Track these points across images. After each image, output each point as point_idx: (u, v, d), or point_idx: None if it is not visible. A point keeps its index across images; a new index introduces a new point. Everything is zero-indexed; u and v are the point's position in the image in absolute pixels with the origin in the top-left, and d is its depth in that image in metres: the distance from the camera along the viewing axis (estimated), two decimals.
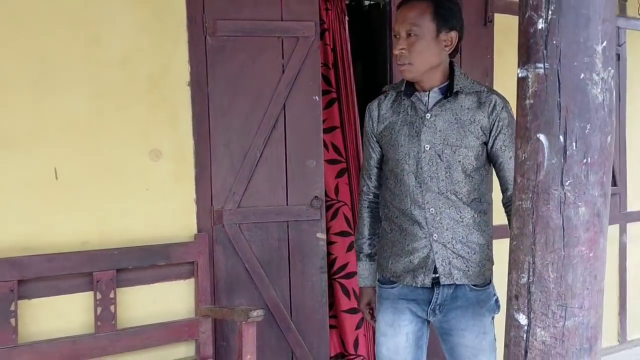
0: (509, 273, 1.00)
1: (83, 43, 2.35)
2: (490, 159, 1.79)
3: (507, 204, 1.77)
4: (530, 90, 0.93)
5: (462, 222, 1.75)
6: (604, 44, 0.88)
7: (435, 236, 1.76)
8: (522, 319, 0.96)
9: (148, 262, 2.43)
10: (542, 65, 0.91)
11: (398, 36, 1.75)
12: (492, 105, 1.74)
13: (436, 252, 1.76)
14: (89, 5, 2.35)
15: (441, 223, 1.75)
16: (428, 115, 1.76)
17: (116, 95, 2.42)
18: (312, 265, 2.74)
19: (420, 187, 1.76)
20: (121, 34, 2.42)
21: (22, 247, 2.23)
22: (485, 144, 1.76)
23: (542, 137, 0.92)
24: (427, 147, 1.75)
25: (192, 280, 2.58)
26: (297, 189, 2.70)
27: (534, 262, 0.94)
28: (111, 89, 2.41)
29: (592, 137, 0.90)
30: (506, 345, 1.01)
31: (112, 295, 2.34)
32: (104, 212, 2.39)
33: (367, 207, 1.97)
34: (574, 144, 0.91)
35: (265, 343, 2.61)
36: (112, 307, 2.35)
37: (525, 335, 0.96)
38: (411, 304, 1.84)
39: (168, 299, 2.53)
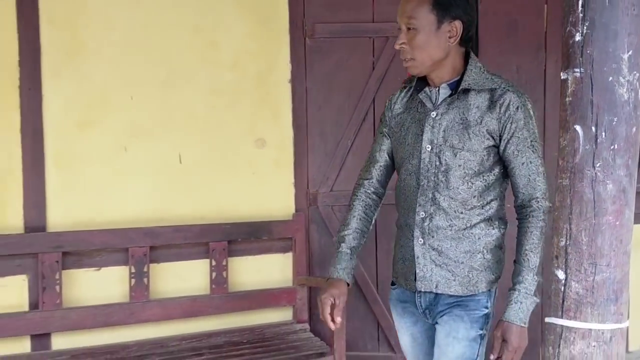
0: (552, 238, 1.24)
1: (202, 47, 2.76)
2: (504, 163, 1.61)
3: (517, 211, 1.60)
4: (569, 89, 1.16)
5: (450, 229, 1.60)
6: (630, 52, 1.09)
7: (420, 241, 1.63)
8: (561, 275, 1.19)
9: (254, 236, 2.81)
10: (578, 70, 1.14)
11: (400, 29, 1.61)
12: (504, 105, 1.55)
13: (417, 257, 1.64)
14: (207, 15, 2.75)
15: (429, 228, 1.62)
16: (434, 114, 1.62)
17: (228, 92, 2.81)
18: None
19: (418, 189, 1.63)
20: (233, 39, 2.81)
21: (153, 218, 2.68)
22: (496, 147, 1.59)
23: (578, 127, 1.15)
24: (428, 147, 1.62)
25: (289, 254, 2.94)
26: None
27: (570, 229, 1.18)
28: (224, 87, 2.80)
29: (619, 128, 1.13)
30: (548, 297, 1.25)
31: (224, 263, 2.75)
32: (218, 191, 2.80)
33: (362, 200, 1.79)
34: (603, 133, 1.13)
35: (354, 313, 2.92)
36: (224, 273, 2.75)
37: (562, 288, 1.19)
38: (408, 306, 1.74)
39: (269, 269, 2.90)
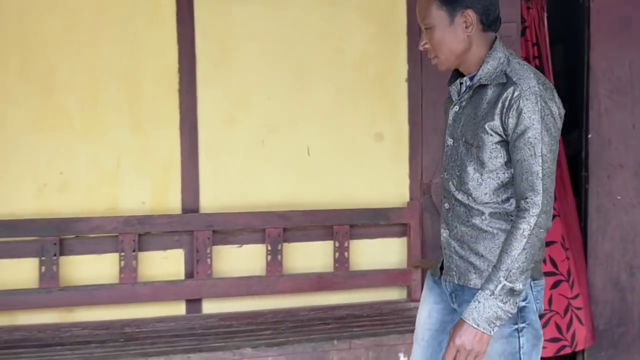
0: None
1: (328, 52, 3.09)
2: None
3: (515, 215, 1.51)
4: None
5: (469, 223, 1.59)
6: None
7: (446, 232, 1.66)
8: None
9: (372, 221, 3.12)
10: None
11: (421, 30, 1.63)
12: (507, 100, 1.49)
13: (443, 248, 1.67)
14: (334, 24, 3.08)
15: (452, 220, 1.63)
16: (456, 107, 1.64)
17: (351, 91, 3.13)
18: None
19: (445, 181, 1.66)
20: (356, 43, 3.12)
21: (286, 203, 3.06)
22: (507, 143, 1.52)
23: None
24: (450, 141, 1.65)
25: (404, 239, 3.21)
26: None
27: None
28: (347, 87, 3.12)
29: None
30: None
31: (346, 245, 3.08)
32: (341, 180, 3.13)
33: None
34: None
35: None
36: (345, 254, 3.08)
37: None
38: (437, 287, 1.73)
39: (386, 252, 3.19)
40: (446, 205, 1.66)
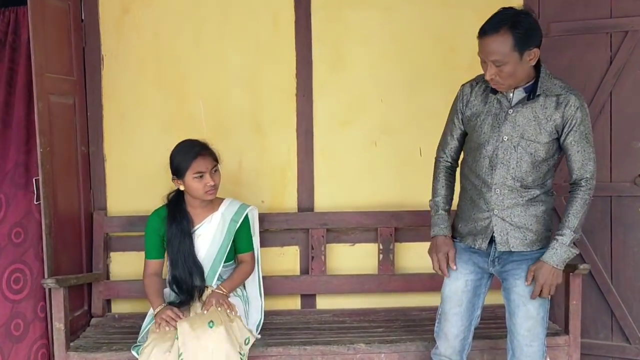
0: None
1: (442, 53, 3.09)
2: (562, 150, 2.07)
3: (570, 187, 2.09)
4: None
5: (521, 201, 2.07)
6: None
7: (496, 211, 2.10)
8: None
9: None
10: None
11: (484, 61, 1.98)
12: (568, 105, 1.99)
13: (495, 225, 2.11)
14: (447, 24, 3.08)
15: (503, 202, 2.08)
16: (511, 111, 2.04)
17: None
18: (633, 237, 2.99)
19: (492, 170, 2.07)
20: (470, 43, 3.01)
21: (397, 203, 3.10)
22: (558, 139, 2.04)
23: None
24: (505, 137, 2.05)
25: None
26: (621, 168, 2.98)
27: None
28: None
29: None
30: None
31: None
32: None
33: (444, 171, 2.27)
34: None
35: (586, 300, 3.00)
36: None
37: None
38: (474, 256, 2.19)
39: None
40: (497, 191, 2.08)
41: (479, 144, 2.12)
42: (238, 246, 2.69)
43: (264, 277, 2.89)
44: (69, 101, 2.90)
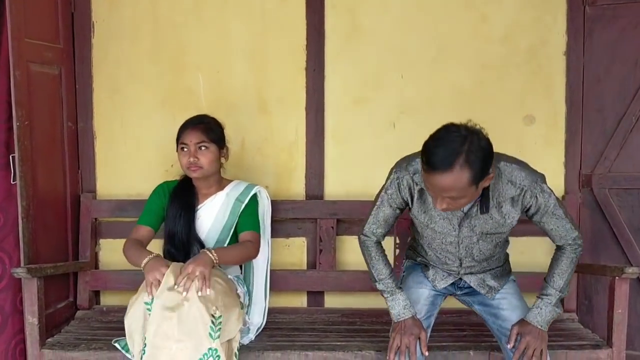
0: None
1: (472, 22, 2.73)
2: (535, 223, 1.97)
3: (557, 247, 2.02)
4: None
5: (488, 267, 2.08)
6: None
7: (463, 272, 2.08)
8: None
9: None
10: None
11: (435, 194, 1.73)
12: (524, 200, 1.86)
13: (466, 278, 2.10)
14: None
15: (472, 269, 2.07)
16: (465, 219, 1.90)
17: (497, 67, 2.74)
18: None
19: (458, 253, 2.01)
20: (505, 12, 2.72)
21: None
22: (516, 223, 1.93)
23: None
24: (464, 239, 1.96)
25: None
26: None
27: None
28: (493, 61, 2.74)
29: None
30: None
31: None
32: None
33: (377, 249, 2.08)
34: None
35: (632, 308, 2.62)
36: None
37: None
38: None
39: (532, 252, 2.76)
40: (465, 264, 2.06)
41: (434, 238, 2.02)
42: (239, 225, 2.37)
43: None
44: (53, 71, 2.63)
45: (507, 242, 2.13)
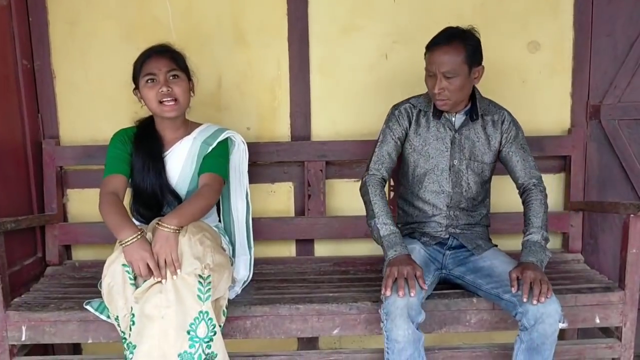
0: None
1: None
2: (502, 162, 2.12)
3: (521, 193, 2.09)
4: None
5: (472, 221, 2.14)
6: None
7: (451, 229, 2.12)
8: None
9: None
10: None
11: (432, 75, 1.94)
12: (504, 122, 2.08)
13: (448, 238, 2.12)
14: None
15: (458, 220, 2.12)
16: (457, 135, 2.06)
17: None
18: None
19: (443, 193, 2.10)
20: None
21: None
22: (496, 154, 2.10)
23: None
24: (455, 162, 2.08)
25: (561, 175, 2.59)
26: None
27: None
28: None
29: None
30: None
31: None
32: None
33: (380, 186, 2.07)
34: None
35: None
36: None
37: None
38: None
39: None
40: (451, 213, 2.12)
41: (426, 170, 2.11)
42: (201, 167, 2.08)
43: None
44: (1, 1, 2.31)
45: (488, 192, 2.19)
